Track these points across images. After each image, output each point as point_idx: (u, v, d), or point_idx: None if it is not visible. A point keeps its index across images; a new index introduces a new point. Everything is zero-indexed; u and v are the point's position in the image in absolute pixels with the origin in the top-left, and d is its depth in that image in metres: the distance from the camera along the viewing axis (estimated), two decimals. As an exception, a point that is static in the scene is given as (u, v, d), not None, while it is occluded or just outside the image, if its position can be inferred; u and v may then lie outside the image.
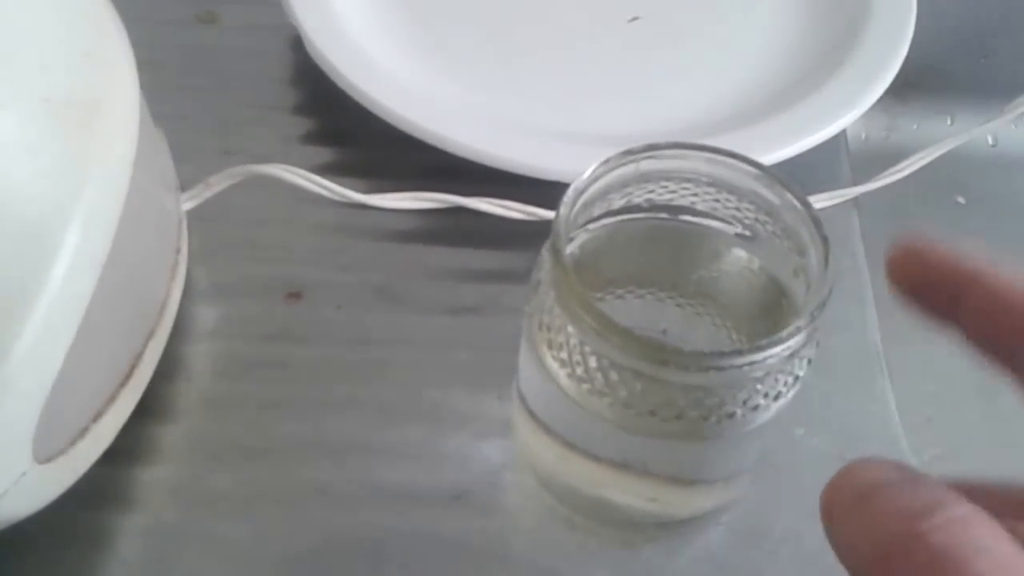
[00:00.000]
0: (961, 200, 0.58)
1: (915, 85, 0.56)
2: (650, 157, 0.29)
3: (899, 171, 0.48)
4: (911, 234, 0.24)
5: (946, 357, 0.45)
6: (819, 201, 0.47)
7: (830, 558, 0.20)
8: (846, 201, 0.48)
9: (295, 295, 0.44)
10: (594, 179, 0.29)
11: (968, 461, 0.53)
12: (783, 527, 0.38)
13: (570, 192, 0.29)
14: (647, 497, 0.34)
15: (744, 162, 0.30)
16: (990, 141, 0.59)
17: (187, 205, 0.42)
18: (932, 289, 0.23)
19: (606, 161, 0.29)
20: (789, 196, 0.29)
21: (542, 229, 0.28)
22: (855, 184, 0.48)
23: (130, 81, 0.33)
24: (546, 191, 0.39)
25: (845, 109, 0.47)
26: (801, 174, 0.47)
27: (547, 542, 0.37)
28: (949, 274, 0.23)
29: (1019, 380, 0.22)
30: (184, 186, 0.42)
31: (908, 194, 0.49)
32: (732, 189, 0.30)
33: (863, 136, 0.59)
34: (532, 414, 0.34)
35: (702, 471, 0.33)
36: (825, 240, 0.28)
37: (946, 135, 0.48)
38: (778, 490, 0.39)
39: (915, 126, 0.59)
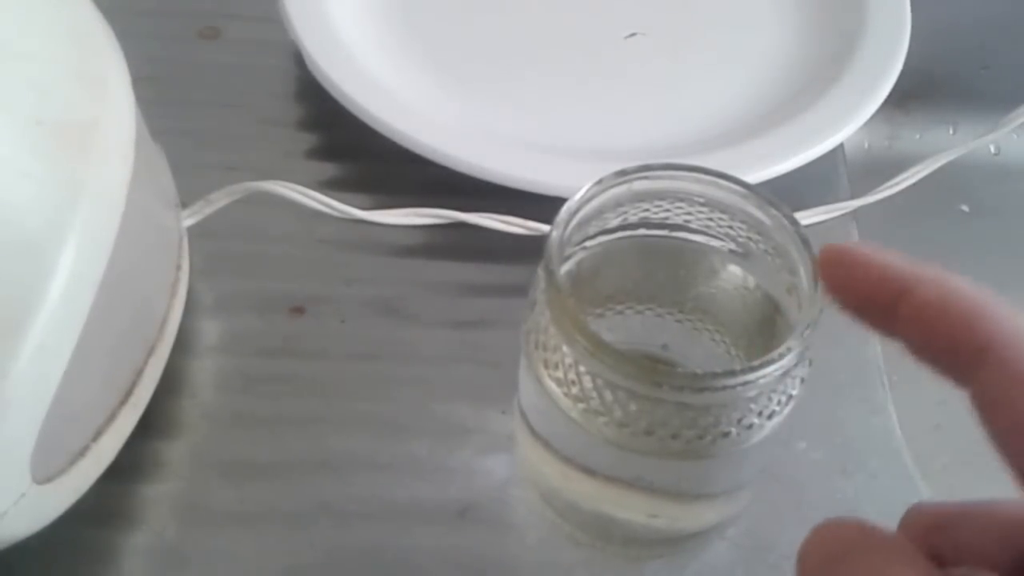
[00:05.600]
0: (965, 208, 0.58)
1: (916, 95, 0.56)
2: (643, 177, 0.29)
3: (898, 184, 0.48)
4: (840, 245, 0.24)
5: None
6: (817, 215, 0.47)
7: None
8: (845, 214, 0.48)
9: (298, 310, 0.44)
10: (587, 199, 0.29)
11: (976, 470, 0.52)
12: (786, 541, 0.38)
13: (562, 213, 0.28)
14: (648, 513, 0.34)
15: (732, 182, 0.30)
16: (992, 149, 0.58)
17: (188, 221, 0.42)
18: (867, 298, 0.23)
19: (599, 181, 0.29)
20: (778, 216, 0.29)
21: (543, 243, 0.28)
22: (854, 196, 0.49)
23: (125, 100, 0.33)
24: (546, 206, 0.39)
25: (841, 123, 0.47)
26: (799, 188, 0.47)
27: (552, 558, 0.37)
28: (883, 283, 0.23)
29: (962, 389, 0.22)
30: (186, 202, 0.42)
31: (911, 202, 0.48)
32: (724, 208, 0.30)
33: (865, 145, 0.59)
34: (533, 430, 0.33)
35: (702, 487, 0.33)
36: (814, 261, 0.28)
37: (948, 144, 0.48)
38: (781, 504, 0.39)
39: (917, 135, 0.59)
